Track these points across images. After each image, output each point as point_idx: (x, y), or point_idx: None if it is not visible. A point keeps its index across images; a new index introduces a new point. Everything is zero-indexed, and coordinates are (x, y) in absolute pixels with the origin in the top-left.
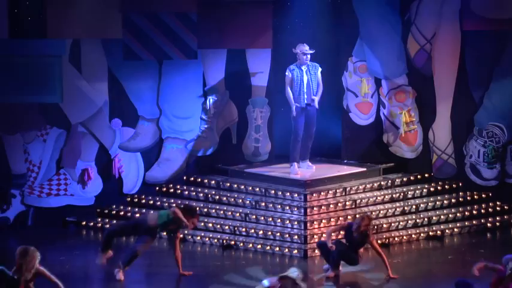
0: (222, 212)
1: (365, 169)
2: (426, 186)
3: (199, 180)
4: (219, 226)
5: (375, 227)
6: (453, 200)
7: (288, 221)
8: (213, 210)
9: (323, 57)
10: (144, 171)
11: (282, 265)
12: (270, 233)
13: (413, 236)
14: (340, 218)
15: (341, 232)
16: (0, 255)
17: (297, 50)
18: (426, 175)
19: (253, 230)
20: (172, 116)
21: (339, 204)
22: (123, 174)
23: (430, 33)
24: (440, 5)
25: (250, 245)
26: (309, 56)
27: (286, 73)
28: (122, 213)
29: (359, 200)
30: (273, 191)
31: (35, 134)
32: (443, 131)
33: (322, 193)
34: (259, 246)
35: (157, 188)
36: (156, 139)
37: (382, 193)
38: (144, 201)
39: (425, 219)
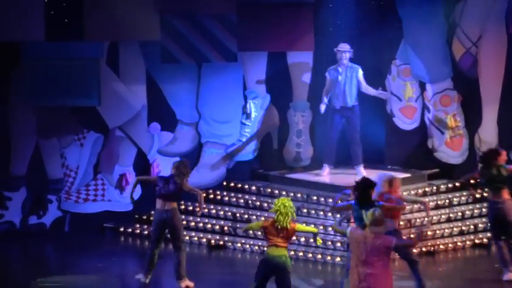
0: (263, 218)
1: (409, 175)
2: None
3: (240, 186)
4: (259, 233)
5: None
6: None
7: (330, 228)
8: (254, 217)
9: (366, 60)
10: None
11: (324, 273)
12: (311, 240)
13: (458, 243)
14: None
15: None
16: (37, 262)
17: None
18: (472, 181)
19: (295, 237)
20: (212, 120)
21: None
22: None
23: (475, 35)
24: (486, 7)
25: (292, 252)
26: (345, 55)
27: (326, 73)
28: None
29: None
30: (315, 197)
31: (72, 138)
32: (490, 136)
33: None
34: (300, 253)
35: None
36: (195, 144)
37: (427, 200)
38: (183, 207)
39: (471, 226)
